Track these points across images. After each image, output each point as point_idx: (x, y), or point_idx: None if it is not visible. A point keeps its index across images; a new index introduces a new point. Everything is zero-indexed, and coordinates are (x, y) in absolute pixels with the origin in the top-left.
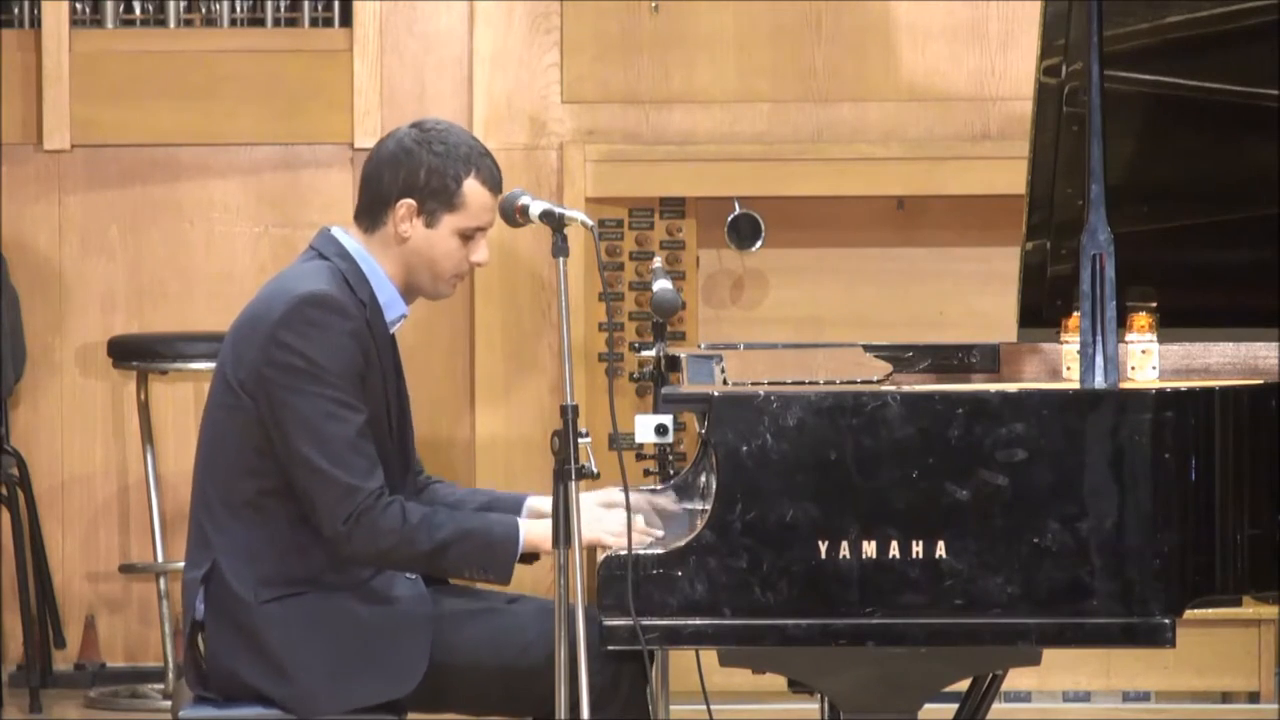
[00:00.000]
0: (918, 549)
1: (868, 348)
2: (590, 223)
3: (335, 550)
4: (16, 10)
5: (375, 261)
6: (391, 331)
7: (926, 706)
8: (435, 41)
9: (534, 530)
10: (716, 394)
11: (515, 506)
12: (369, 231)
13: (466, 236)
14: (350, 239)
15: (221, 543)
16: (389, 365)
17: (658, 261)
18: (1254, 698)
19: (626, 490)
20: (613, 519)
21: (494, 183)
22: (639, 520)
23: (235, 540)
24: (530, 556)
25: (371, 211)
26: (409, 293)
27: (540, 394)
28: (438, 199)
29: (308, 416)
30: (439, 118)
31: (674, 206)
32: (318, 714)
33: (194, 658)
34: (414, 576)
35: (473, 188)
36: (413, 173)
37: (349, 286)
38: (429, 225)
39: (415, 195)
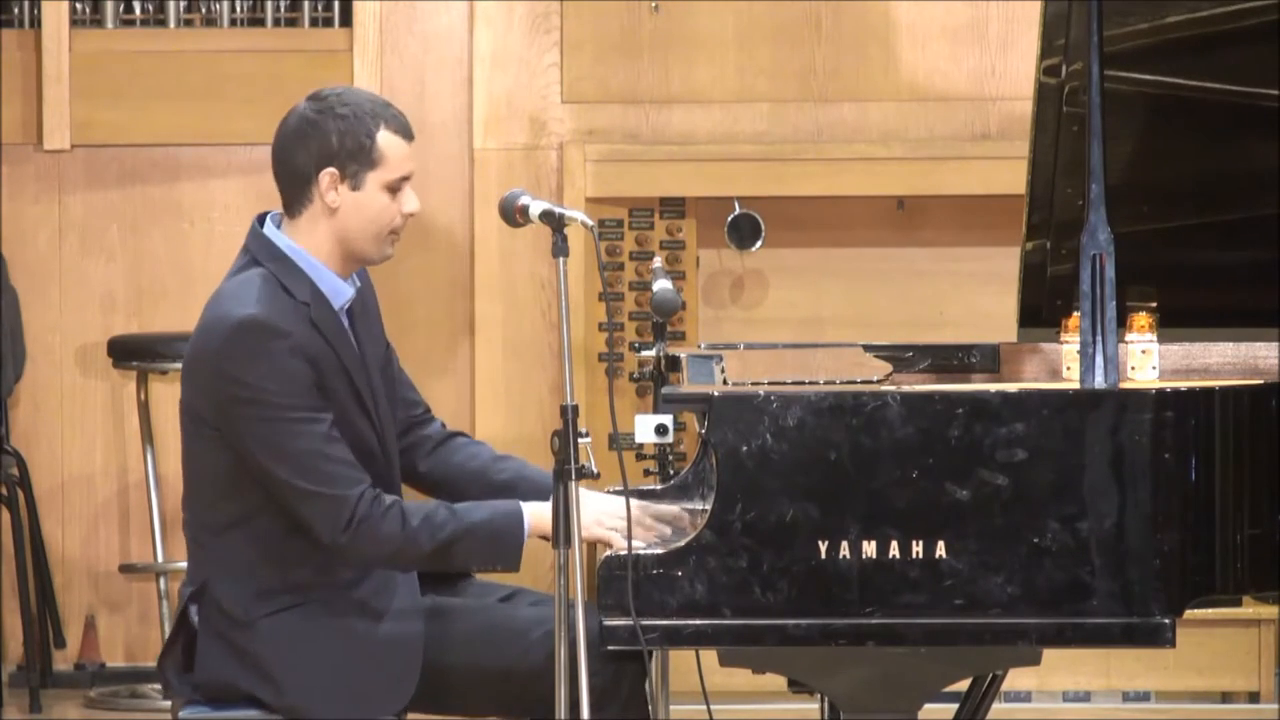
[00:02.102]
0: (917, 549)
1: (868, 348)
2: (590, 223)
3: (338, 559)
4: (16, 10)
5: (308, 252)
6: (341, 307)
7: (926, 706)
8: (435, 41)
9: (539, 514)
10: (716, 394)
11: (541, 492)
12: (295, 215)
13: (393, 189)
14: (280, 235)
15: (211, 561)
16: (349, 354)
17: (658, 261)
18: (1254, 698)
19: (626, 490)
20: (617, 518)
21: (405, 131)
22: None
23: (224, 559)
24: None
25: (293, 192)
26: (349, 265)
27: (540, 394)
28: (357, 160)
29: (273, 441)
30: (335, 86)
31: (674, 206)
32: (304, 717)
33: (181, 659)
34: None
35: (387, 139)
36: (325, 141)
37: (285, 291)
38: (355, 188)
39: (334, 162)
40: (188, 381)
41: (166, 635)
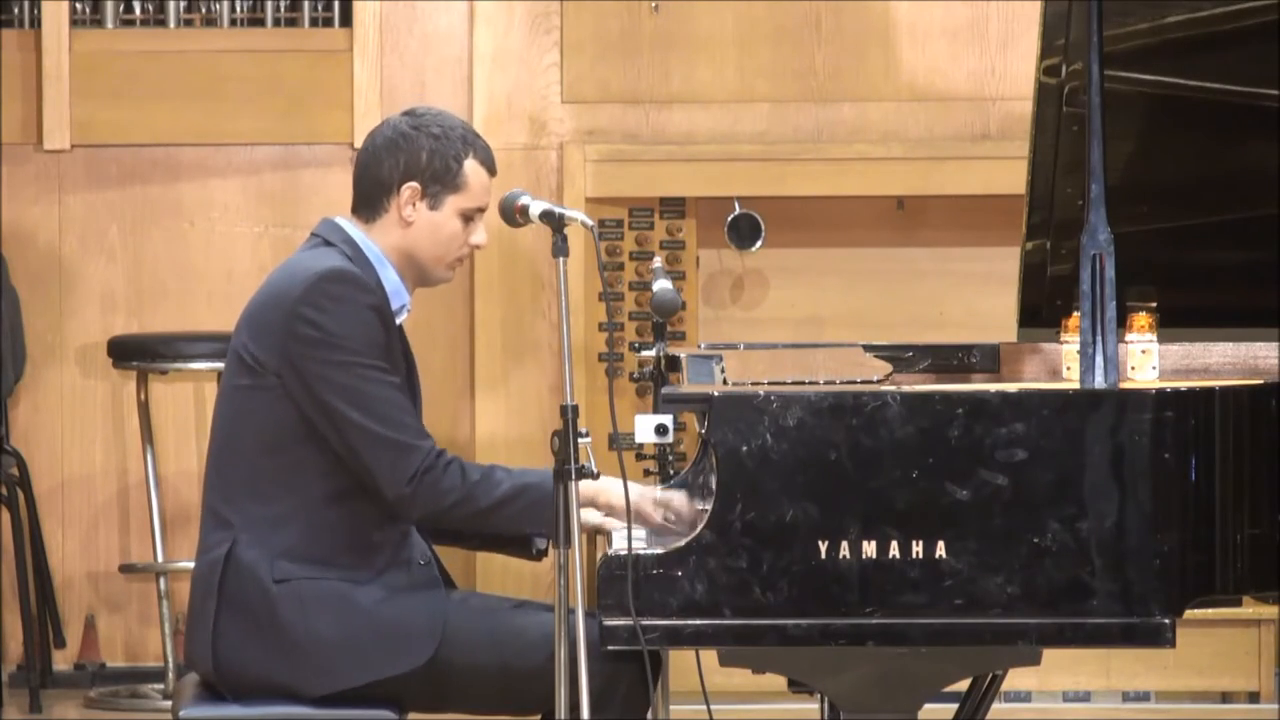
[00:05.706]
0: (918, 549)
1: (868, 348)
2: (590, 223)
3: (396, 512)
4: (16, 10)
5: (379, 249)
6: (399, 321)
7: (926, 706)
8: (435, 41)
9: (592, 485)
10: (716, 394)
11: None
12: (369, 221)
13: (467, 218)
14: (353, 228)
15: (241, 521)
16: (400, 349)
17: (658, 261)
18: (1254, 698)
19: (626, 490)
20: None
21: (490, 164)
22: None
23: (257, 517)
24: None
25: (371, 200)
26: (409, 281)
27: (540, 394)
28: (440, 180)
29: (347, 385)
30: (429, 105)
31: (674, 206)
32: (326, 690)
33: (209, 639)
34: (426, 562)
35: (473, 168)
36: (414, 156)
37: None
38: (433, 207)
39: (418, 178)
40: (248, 329)
41: (167, 634)
